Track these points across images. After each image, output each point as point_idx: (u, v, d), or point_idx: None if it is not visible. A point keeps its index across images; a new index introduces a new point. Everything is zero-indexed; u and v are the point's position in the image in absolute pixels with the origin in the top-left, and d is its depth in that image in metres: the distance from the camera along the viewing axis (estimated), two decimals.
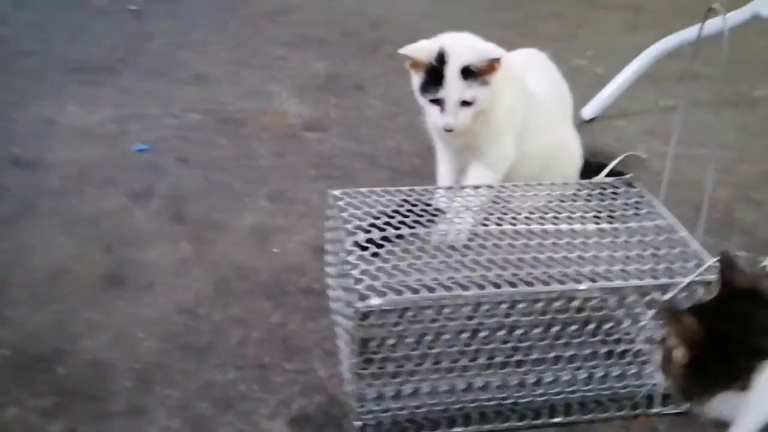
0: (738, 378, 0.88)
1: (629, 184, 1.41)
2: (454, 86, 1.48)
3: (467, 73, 1.47)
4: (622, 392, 1.26)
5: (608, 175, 1.45)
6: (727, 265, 0.99)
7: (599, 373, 1.25)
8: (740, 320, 0.91)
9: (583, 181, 1.43)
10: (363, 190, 1.35)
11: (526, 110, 1.61)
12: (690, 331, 0.91)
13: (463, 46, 1.49)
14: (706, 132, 2.21)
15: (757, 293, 0.96)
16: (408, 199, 1.35)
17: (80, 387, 1.30)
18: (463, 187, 1.41)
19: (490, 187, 1.40)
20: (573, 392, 1.25)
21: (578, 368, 1.24)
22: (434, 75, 1.49)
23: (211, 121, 2.24)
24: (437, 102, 1.51)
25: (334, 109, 2.33)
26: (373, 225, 1.26)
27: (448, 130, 1.51)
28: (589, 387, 1.25)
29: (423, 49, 1.50)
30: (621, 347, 1.24)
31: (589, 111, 2.29)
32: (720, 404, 0.90)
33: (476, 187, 1.40)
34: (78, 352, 1.37)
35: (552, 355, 1.23)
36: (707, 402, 0.91)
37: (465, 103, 1.49)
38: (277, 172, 1.98)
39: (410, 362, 1.21)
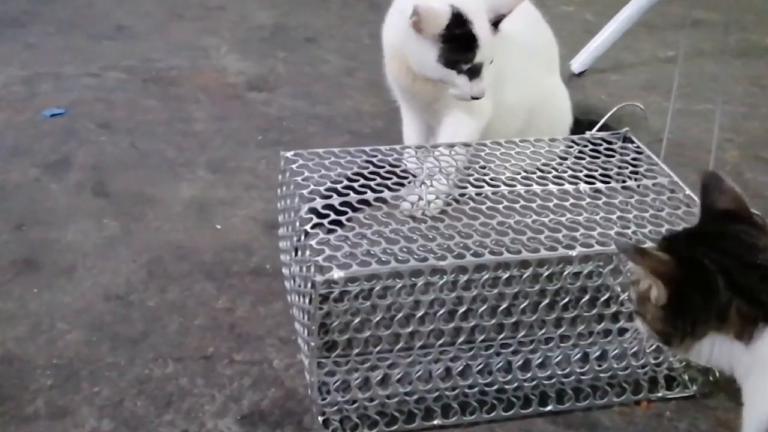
0: (726, 318, 0.89)
1: (626, 139, 1.44)
2: (490, 44, 1.48)
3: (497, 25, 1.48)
4: (622, 374, 1.29)
5: (602, 130, 1.47)
6: (709, 184, 0.98)
7: (595, 352, 1.28)
8: (719, 248, 0.92)
9: (574, 137, 1.46)
10: (320, 151, 1.36)
11: (503, 55, 1.63)
12: (662, 264, 0.92)
13: None
14: (711, 85, 2.27)
15: (739, 214, 0.95)
16: (372, 160, 1.36)
17: None
18: (435, 146, 1.42)
19: (466, 145, 1.42)
20: (566, 376, 1.28)
21: (572, 348, 1.27)
22: (458, 40, 1.48)
23: (137, 80, 2.23)
24: (467, 70, 1.50)
25: (282, 65, 2.33)
26: (332, 189, 1.27)
27: (477, 98, 1.52)
28: (584, 369, 1.27)
29: (433, 12, 1.47)
30: (620, 323, 1.27)
31: (578, 63, 2.33)
32: (708, 350, 0.92)
33: (450, 146, 1.41)
34: None
35: (542, 333, 1.25)
36: (692, 347, 0.93)
37: None
38: (217, 137, 1.98)
39: (379, 345, 1.22)
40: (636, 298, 0.98)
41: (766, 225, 0.96)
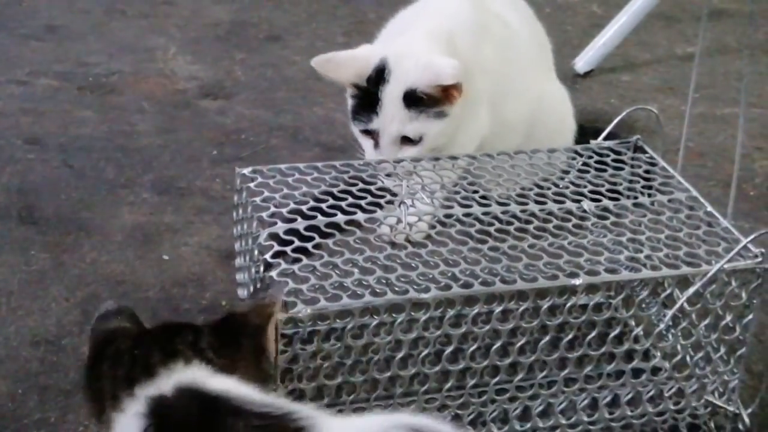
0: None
1: (637, 149, 1.44)
2: (391, 115, 1.48)
3: (412, 99, 1.48)
4: (638, 423, 1.29)
5: (609, 138, 1.48)
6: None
7: (606, 398, 1.27)
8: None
9: (577, 147, 1.46)
10: (282, 166, 1.36)
11: (504, 64, 1.64)
12: None
13: (411, 60, 1.49)
14: (737, 85, 2.29)
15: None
16: (343, 176, 1.36)
17: None
18: (417, 160, 1.42)
19: (453, 158, 1.42)
20: (572, 426, 1.27)
21: (578, 393, 1.27)
22: (367, 97, 1.50)
23: (71, 88, 2.23)
24: (370, 134, 1.51)
25: (240, 68, 2.34)
26: (296, 211, 1.27)
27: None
28: (593, 418, 1.27)
29: (351, 61, 1.50)
30: (633, 362, 1.27)
31: (583, 62, 2.34)
32: None
33: (435, 159, 1.42)
34: None
35: (543, 376, 1.25)
36: None
37: (408, 140, 1.50)
38: (164, 153, 1.98)
39: (353, 394, 1.22)
40: None
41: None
